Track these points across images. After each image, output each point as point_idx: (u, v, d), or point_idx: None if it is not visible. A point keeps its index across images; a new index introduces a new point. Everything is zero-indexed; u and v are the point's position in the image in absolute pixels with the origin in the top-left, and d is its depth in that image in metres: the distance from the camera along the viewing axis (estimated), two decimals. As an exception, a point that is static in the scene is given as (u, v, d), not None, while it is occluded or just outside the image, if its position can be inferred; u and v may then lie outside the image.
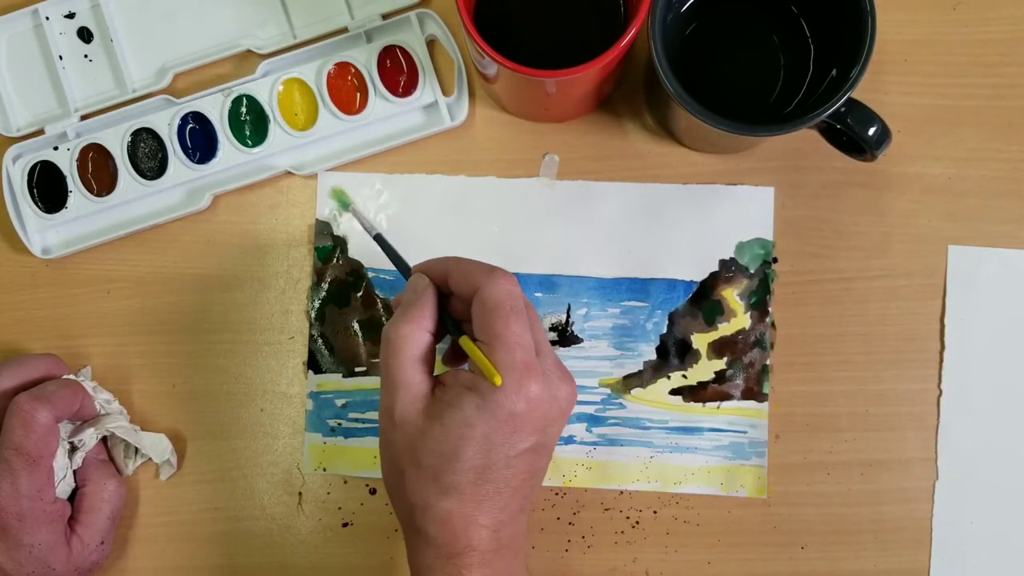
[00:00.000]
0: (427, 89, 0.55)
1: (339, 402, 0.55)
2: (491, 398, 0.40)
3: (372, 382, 0.55)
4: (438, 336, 0.44)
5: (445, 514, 0.41)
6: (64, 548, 0.49)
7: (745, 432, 0.54)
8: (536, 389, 0.41)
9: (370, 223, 0.51)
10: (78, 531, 0.50)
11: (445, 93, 0.55)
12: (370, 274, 0.55)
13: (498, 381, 0.40)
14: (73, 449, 0.51)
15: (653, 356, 0.55)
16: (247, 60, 0.56)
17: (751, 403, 0.54)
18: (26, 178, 0.55)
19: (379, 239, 0.49)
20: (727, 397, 0.54)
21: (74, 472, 0.51)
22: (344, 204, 0.54)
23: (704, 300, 0.55)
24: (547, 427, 0.42)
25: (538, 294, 0.55)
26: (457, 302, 0.44)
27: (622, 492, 0.54)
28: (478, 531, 0.41)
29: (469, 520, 0.41)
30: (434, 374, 0.43)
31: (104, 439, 0.53)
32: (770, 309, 0.55)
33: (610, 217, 0.55)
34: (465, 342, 0.43)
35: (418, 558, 0.43)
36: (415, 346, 0.42)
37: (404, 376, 0.42)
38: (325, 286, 0.55)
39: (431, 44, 0.55)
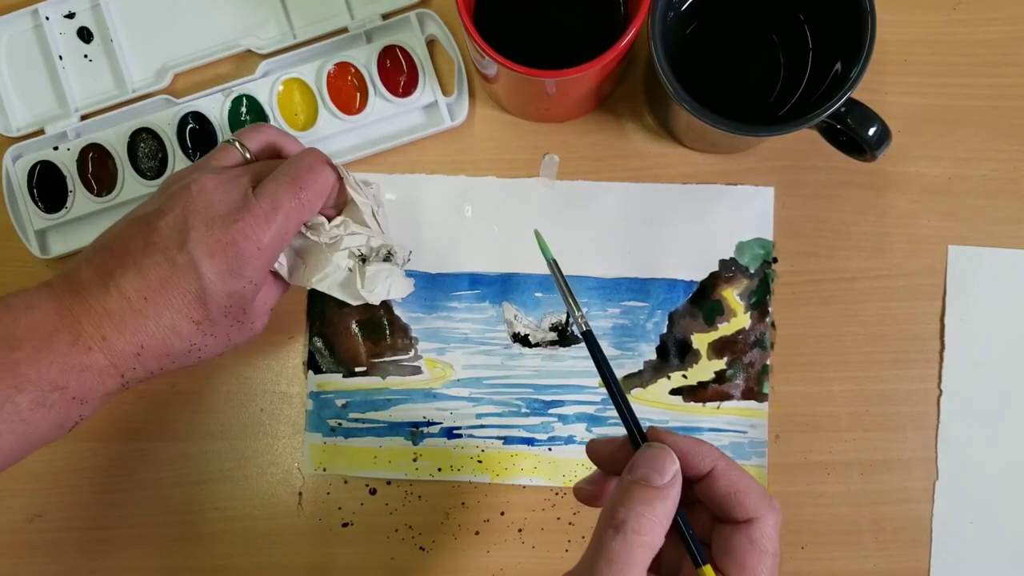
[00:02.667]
0: (427, 89, 0.55)
1: (339, 402, 0.55)
2: None
3: (372, 382, 0.55)
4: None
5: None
6: (270, 286, 0.48)
7: (745, 432, 0.54)
8: None
9: (578, 308, 0.41)
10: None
11: (445, 93, 0.55)
12: (370, 274, 0.55)
13: None
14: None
15: (653, 356, 0.55)
16: (247, 60, 0.56)
17: (751, 403, 0.54)
18: (26, 178, 0.55)
19: (589, 338, 0.41)
20: (727, 397, 0.54)
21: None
22: (547, 252, 0.43)
23: (704, 300, 0.55)
24: None
25: (538, 294, 0.55)
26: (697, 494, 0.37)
27: (622, 492, 0.54)
28: None
29: None
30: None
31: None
32: (770, 309, 0.55)
33: (610, 217, 0.55)
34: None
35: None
36: (648, 553, 0.35)
37: (621, 566, 0.34)
38: (325, 286, 0.55)
39: (431, 44, 0.55)
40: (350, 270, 0.49)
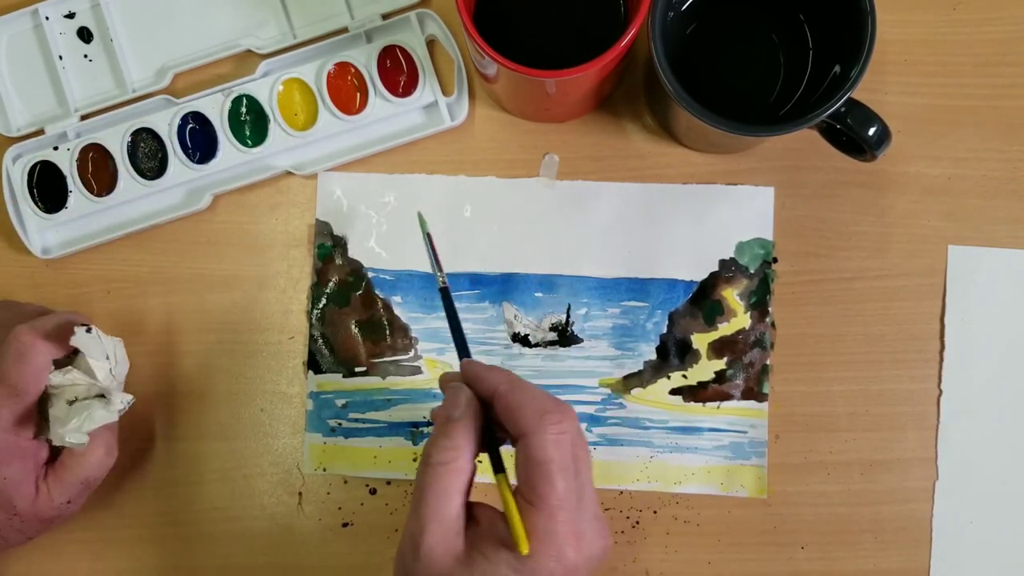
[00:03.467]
0: (427, 89, 0.55)
1: (339, 402, 0.55)
2: (528, 563, 0.38)
3: (372, 382, 0.55)
4: (478, 451, 0.41)
5: None
6: (31, 489, 0.48)
7: (745, 432, 0.54)
8: (573, 555, 0.38)
9: (441, 270, 0.47)
10: (49, 481, 0.49)
11: (445, 93, 0.55)
12: (370, 274, 0.55)
13: (525, 550, 0.38)
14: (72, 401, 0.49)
15: (653, 356, 0.55)
16: (247, 60, 0.56)
17: (751, 403, 0.54)
18: (26, 178, 0.55)
19: (445, 293, 0.46)
20: (727, 397, 0.54)
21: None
22: (425, 226, 0.49)
23: (704, 300, 0.55)
24: None
25: (538, 294, 0.55)
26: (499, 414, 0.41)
27: (622, 492, 0.54)
28: None
29: None
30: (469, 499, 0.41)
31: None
32: (770, 309, 0.55)
33: (610, 217, 0.55)
34: (503, 488, 0.40)
35: None
36: (456, 477, 0.39)
37: (439, 507, 0.39)
38: (325, 286, 0.55)
39: (431, 44, 0.55)
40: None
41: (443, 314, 0.54)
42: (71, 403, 0.48)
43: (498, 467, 0.41)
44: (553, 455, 0.39)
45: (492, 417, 0.41)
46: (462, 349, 0.44)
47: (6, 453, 0.47)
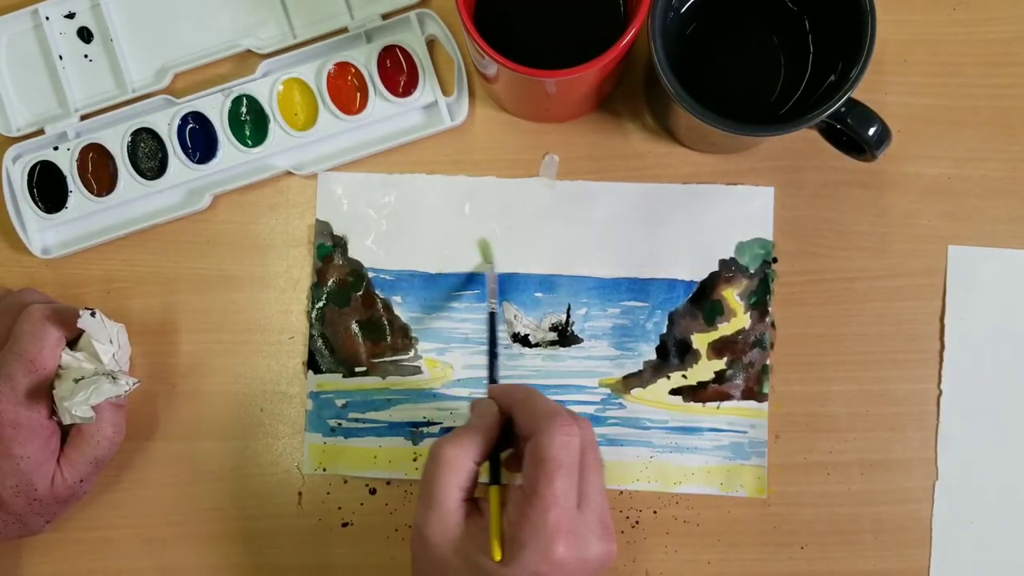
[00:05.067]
0: (427, 89, 0.55)
1: (339, 402, 0.55)
2: (517, 555, 0.40)
3: (372, 382, 0.55)
4: (489, 455, 0.44)
5: None
6: (50, 470, 0.49)
7: (745, 432, 0.54)
8: (563, 551, 0.40)
9: (495, 296, 0.53)
10: (61, 463, 0.50)
11: (445, 93, 0.55)
12: (370, 274, 0.55)
13: (496, 557, 0.40)
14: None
15: (653, 356, 0.55)
16: (247, 60, 0.56)
17: (751, 403, 0.54)
18: (26, 178, 0.55)
19: (492, 319, 0.52)
20: (727, 397, 0.54)
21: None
22: (487, 258, 0.54)
23: (704, 300, 0.55)
24: None
25: (538, 294, 0.55)
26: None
27: (622, 492, 0.54)
28: None
29: None
30: (476, 494, 0.44)
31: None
32: (770, 309, 0.55)
33: (610, 217, 0.55)
34: (492, 497, 0.43)
35: None
36: (458, 472, 0.42)
37: (441, 498, 0.42)
38: (325, 286, 0.55)
39: (431, 44, 0.55)
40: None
41: (443, 314, 0.55)
42: (77, 382, 0.49)
43: (495, 479, 0.44)
44: (556, 453, 0.40)
45: (511, 431, 0.45)
46: (492, 370, 0.50)
47: (28, 431, 0.48)
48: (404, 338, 0.55)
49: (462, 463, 0.43)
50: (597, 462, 0.43)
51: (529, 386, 0.45)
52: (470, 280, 0.55)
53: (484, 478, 0.44)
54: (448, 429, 0.54)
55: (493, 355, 0.51)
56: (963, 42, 0.55)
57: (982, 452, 0.54)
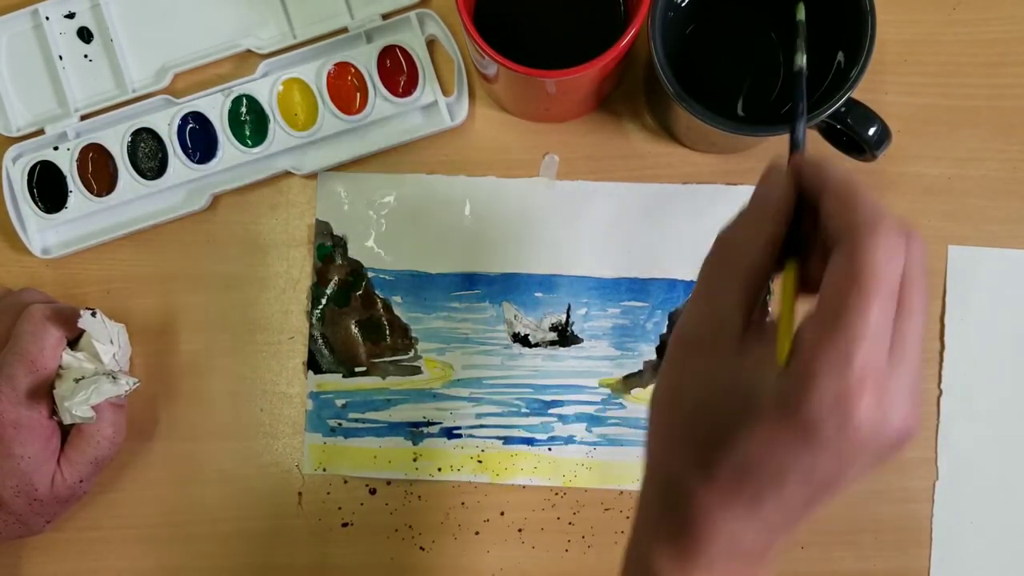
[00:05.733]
0: (427, 89, 0.55)
1: (339, 402, 0.55)
2: (806, 391, 0.30)
3: (372, 382, 0.55)
4: (782, 255, 0.34)
5: (688, 490, 0.33)
6: (51, 470, 0.49)
7: (745, 432, 0.54)
8: (864, 409, 0.30)
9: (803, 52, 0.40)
10: (62, 462, 0.50)
11: (445, 93, 0.55)
12: (370, 274, 0.55)
13: (782, 359, 0.31)
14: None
15: (653, 356, 0.55)
16: (247, 60, 0.56)
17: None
18: (26, 178, 0.55)
19: (798, 78, 0.39)
20: (727, 397, 0.54)
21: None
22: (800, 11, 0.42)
23: (704, 300, 0.54)
24: (857, 457, 0.31)
25: (538, 294, 0.55)
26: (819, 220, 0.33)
27: (622, 492, 0.54)
28: (715, 526, 0.33)
29: (708, 510, 0.33)
30: (763, 301, 0.35)
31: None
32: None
33: (610, 217, 0.55)
34: (788, 274, 0.33)
35: (638, 521, 0.36)
36: (745, 259, 0.33)
37: (718, 298, 0.33)
38: (325, 286, 0.55)
39: (431, 44, 0.55)
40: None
41: (443, 314, 0.55)
42: (77, 382, 0.49)
43: (791, 249, 0.34)
44: (876, 269, 0.30)
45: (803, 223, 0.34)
46: (796, 135, 0.37)
47: (28, 431, 0.48)
48: (404, 338, 0.55)
49: (752, 249, 0.33)
50: (923, 296, 0.32)
51: (846, 173, 0.33)
52: (470, 280, 0.55)
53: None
54: (448, 429, 0.54)
55: (798, 116, 0.37)
56: (963, 42, 0.55)
57: (982, 452, 0.54)
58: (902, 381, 0.31)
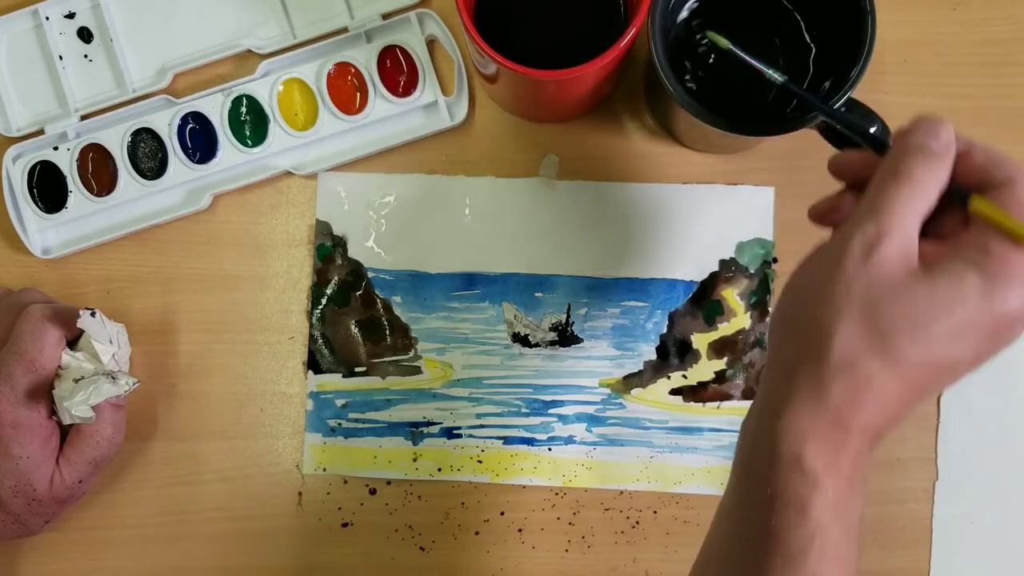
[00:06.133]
0: (427, 89, 0.55)
1: (339, 402, 0.55)
2: (1000, 287, 0.34)
3: (372, 382, 0.55)
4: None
5: (866, 379, 0.34)
6: (50, 470, 0.49)
7: (745, 432, 0.54)
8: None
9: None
10: (60, 463, 0.50)
11: (445, 93, 0.55)
12: (370, 274, 0.55)
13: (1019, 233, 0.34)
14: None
15: (653, 356, 0.55)
16: (247, 60, 0.56)
17: (751, 403, 0.54)
18: (26, 178, 0.55)
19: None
20: (727, 397, 0.54)
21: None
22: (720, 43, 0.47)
23: (704, 300, 0.55)
24: (1008, 293, 0.34)
25: (538, 294, 0.55)
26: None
27: (622, 492, 0.54)
28: (881, 414, 0.35)
29: (885, 398, 0.34)
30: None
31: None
32: (770, 309, 0.54)
33: (610, 217, 0.55)
34: (982, 203, 0.35)
35: (790, 414, 0.35)
36: (942, 172, 0.36)
37: (910, 207, 0.35)
38: (325, 286, 0.55)
39: (431, 44, 0.55)
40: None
41: (443, 314, 0.55)
42: (77, 382, 0.49)
43: (963, 195, 0.36)
44: None
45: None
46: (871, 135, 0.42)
47: (27, 431, 0.48)
48: (404, 338, 0.55)
49: (928, 197, 0.36)
50: None
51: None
52: (470, 280, 0.55)
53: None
54: (448, 429, 0.54)
55: (822, 109, 0.43)
56: (963, 42, 0.55)
57: (982, 452, 0.54)
58: None
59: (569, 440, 0.54)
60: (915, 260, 0.35)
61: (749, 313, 0.54)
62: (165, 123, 0.54)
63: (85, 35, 0.55)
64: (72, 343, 0.51)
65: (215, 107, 0.54)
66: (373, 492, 0.55)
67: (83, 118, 0.55)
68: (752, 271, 0.55)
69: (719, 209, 0.55)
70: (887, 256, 0.35)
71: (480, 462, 0.54)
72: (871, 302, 0.34)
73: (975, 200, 0.35)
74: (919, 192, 0.35)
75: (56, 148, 0.55)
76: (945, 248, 0.36)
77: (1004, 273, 0.34)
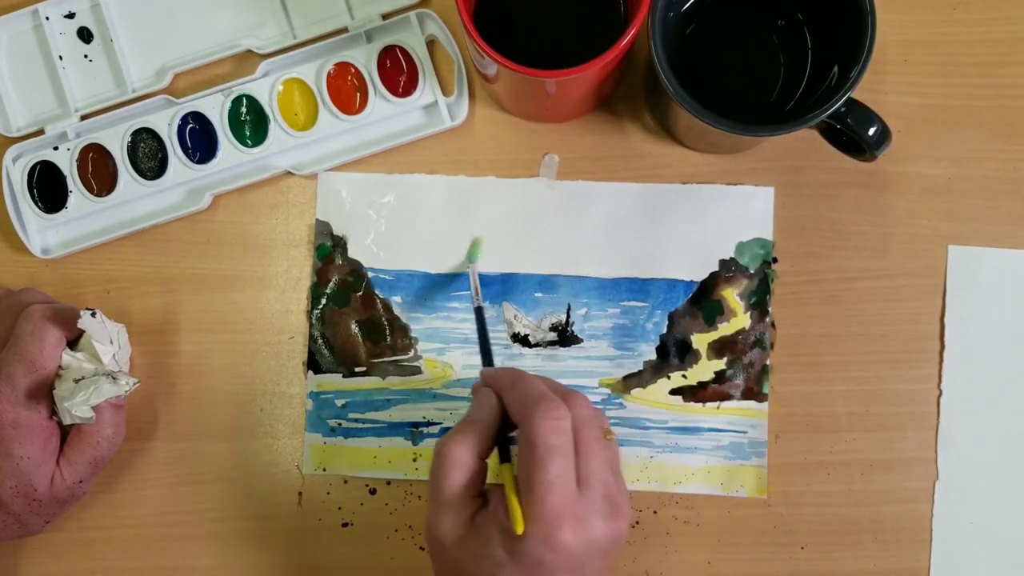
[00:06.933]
0: (427, 89, 0.55)
1: (339, 402, 0.55)
2: (519, 544, 0.39)
3: (372, 382, 0.55)
4: (496, 440, 0.43)
5: None
6: (50, 470, 0.49)
7: (745, 432, 0.54)
8: (567, 536, 0.39)
9: (478, 293, 0.52)
10: (60, 464, 0.50)
11: (445, 93, 0.55)
12: (370, 274, 0.55)
13: (519, 529, 0.39)
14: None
15: (653, 356, 0.55)
16: (247, 60, 0.56)
17: (751, 403, 0.54)
18: (26, 178, 0.55)
19: (479, 313, 0.51)
20: (727, 397, 0.54)
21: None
22: (473, 257, 0.54)
23: (704, 300, 0.55)
24: (582, 568, 0.40)
25: (538, 294, 0.55)
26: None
27: (622, 492, 0.54)
28: None
29: None
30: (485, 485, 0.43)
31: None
32: (770, 309, 0.55)
33: (610, 217, 0.55)
34: (505, 475, 0.42)
35: None
36: (462, 471, 0.42)
37: (446, 497, 0.42)
38: (325, 286, 0.55)
39: (431, 44, 0.55)
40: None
41: (443, 314, 0.55)
42: (77, 382, 0.49)
43: (504, 458, 0.43)
44: (544, 439, 0.40)
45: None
46: (486, 358, 0.48)
47: (27, 431, 0.48)
48: (404, 338, 0.55)
49: (466, 460, 0.42)
50: (596, 439, 0.41)
51: (516, 369, 0.44)
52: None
53: (492, 479, 0.44)
54: (448, 429, 0.54)
55: (485, 350, 0.49)
56: (963, 42, 0.55)
57: (982, 452, 0.54)
58: (594, 501, 0.40)
59: (569, 440, 0.54)
60: (461, 528, 0.41)
61: (749, 313, 0.54)
62: (165, 123, 0.54)
63: (85, 35, 0.55)
64: (72, 343, 0.51)
65: (215, 107, 0.54)
66: (373, 492, 0.55)
67: (83, 118, 0.55)
68: (752, 271, 0.55)
69: (719, 209, 0.55)
70: (441, 532, 0.42)
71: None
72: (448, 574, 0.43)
73: (502, 471, 0.43)
74: (446, 469, 0.42)
75: (56, 148, 0.55)
76: (492, 508, 0.41)
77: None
